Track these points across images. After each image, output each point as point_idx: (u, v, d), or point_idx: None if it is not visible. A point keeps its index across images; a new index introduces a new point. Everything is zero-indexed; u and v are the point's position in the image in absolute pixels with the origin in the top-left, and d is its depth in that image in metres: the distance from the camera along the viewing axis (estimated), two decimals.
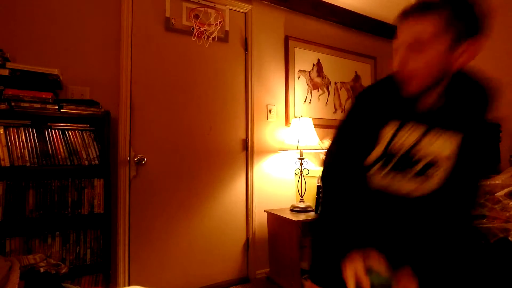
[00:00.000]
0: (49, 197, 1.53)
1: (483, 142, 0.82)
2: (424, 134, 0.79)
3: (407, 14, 0.78)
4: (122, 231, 1.90)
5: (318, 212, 1.09)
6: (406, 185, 0.83)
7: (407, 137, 0.80)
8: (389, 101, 0.83)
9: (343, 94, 2.94)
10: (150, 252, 2.00)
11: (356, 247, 0.75)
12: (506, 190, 1.41)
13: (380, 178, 0.85)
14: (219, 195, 2.25)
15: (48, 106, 1.53)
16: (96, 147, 1.64)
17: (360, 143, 0.84)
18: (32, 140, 1.51)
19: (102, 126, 1.67)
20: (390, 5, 2.83)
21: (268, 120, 2.48)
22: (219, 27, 2.25)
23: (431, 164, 0.80)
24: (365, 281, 0.70)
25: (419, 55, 0.73)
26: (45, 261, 1.41)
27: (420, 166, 0.81)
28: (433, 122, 0.79)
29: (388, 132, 0.82)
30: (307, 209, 2.25)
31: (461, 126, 0.79)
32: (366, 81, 3.12)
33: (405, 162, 0.81)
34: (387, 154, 0.82)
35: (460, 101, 0.80)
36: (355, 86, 3.03)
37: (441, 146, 0.79)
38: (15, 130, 1.49)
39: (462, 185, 0.80)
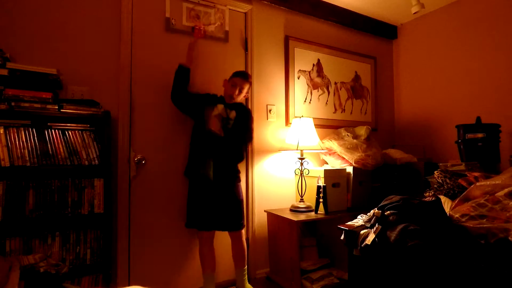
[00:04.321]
0: (49, 197, 1.53)
1: (244, 116, 2.04)
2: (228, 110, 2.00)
3: (242, 77, 2.01)
4: (122, 231, 1.90)
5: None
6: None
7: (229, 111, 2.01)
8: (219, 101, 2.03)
9: (343, 94, 2.94)
10: (150, 252, 2.00)
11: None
12: (506, 190, 1.41)
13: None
14: None
15: (48, 106, 1.53)
16: (96, 147, 1.64)
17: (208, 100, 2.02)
18: (32, 140, 1.51)
19: (102, 126, 1.67)
20: (390, 5, 2.84)
21: (268, 120, 2.48)
22: (219, 27, 2.25)
23: (230, 119, 1.99)
24: None
25: (241, 93, 2.03)
26: (45, 261, 1.41)
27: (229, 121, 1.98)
28: (231, 108, 2.02)
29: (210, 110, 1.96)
30: (307, 209, 2.25)
31: (236, 108, 2.03)
32: (366, 81, 3.12)
33: (225, 120, 1.97)
34: (224, 118, 1.98)
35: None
36: (355, 86, 3.03)
37: (233, 113, 2.01)
38: (15, 130, 1.49)
39: (239, 128, 1.99)
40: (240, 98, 2.04)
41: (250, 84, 2.05)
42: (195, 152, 1.96)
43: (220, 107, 1.98)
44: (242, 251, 2.02)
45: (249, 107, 2.40)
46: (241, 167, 2.34)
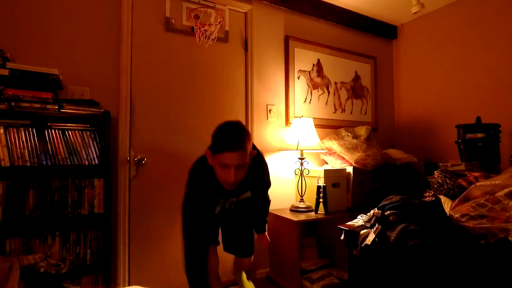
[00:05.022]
0: (49, 197, 1.53)
1: (260, 191, 1.65)
2: (237, 198, 1.57)
3: (233, 149, 1.23)
4: (122, 231, 1.90)
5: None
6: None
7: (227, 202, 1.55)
8: (218, 190, 1.42)
9: (343, 94, 2.94)
10: (150, 252, 2.00)
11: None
12: (506, 190, 1.41)
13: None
14: None
15: (48, 106, 1.53)
16: (96, 147, 1.64)
17: (208, 203, 1.47)
18: (32, 140, 1.51)
19: (102, 126, 1.67)
20: (390, 5, 2.83)
21: (268, 120, 2.48)
22: (219, 27, 2.25)
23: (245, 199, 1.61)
24: None
25: (240, 171, 1.29)
26: (45, 261, 1.41)
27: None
28: (237, 194, 1.54)
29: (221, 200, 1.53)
30: (307, 209, 2.25)
31: (250, 187, 1.57)
32: (366, 81, 3.12)
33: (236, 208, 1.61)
34: (226, 208, 1.57)
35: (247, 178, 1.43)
36: (355, 86, 3.03)
37: (247, 194, 1.58)
38: (15, 130, 1.49)
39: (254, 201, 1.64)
40: (244, 173, 1.33)
41: (249, 142, 1.30)
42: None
43: (227, 204, 1.56)
44: (246, 268, 1.83)
45: (249, 107, 2.39)
46: None
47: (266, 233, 1.77)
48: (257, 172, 1.52)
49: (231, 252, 1.74)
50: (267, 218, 1.78)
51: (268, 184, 1.66)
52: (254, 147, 1.46)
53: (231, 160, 1.22)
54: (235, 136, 1.24)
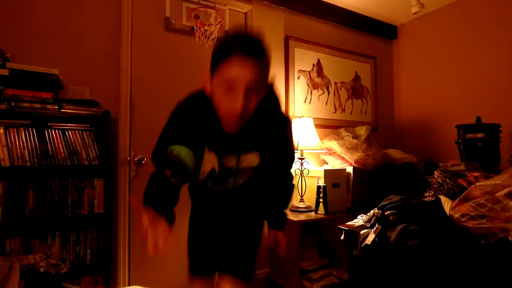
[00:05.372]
0: (49, 197, 1.53)
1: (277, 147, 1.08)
2: (238, 159, 1.02)
3: (245, 53, 0.79)
4: (122, 231, 1.90)
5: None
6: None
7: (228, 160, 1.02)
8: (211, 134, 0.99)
9: (343, 94, 2.94)
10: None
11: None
12: (506, 190, 1.41)
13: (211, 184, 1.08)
14: None
15: (48, 106, 1.53)
16: (96, 147, 1.64)
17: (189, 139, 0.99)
18: (32, 140, 1.51)
19: (102, 126, 1.67)
20: (390, 5, 2.83)
21: None
22: (219, 27, 2.25)
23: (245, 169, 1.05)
24: None
25: (252, 98, 0.83)
26: (45, 261, 1.41)
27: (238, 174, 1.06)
28: (240, 150, 1.00)
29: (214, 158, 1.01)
30: (307, 209, 2.25)
31: (257, 147, 1.02)
32: (366, 81, 3.12)
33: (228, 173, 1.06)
34: (215, 177, 1.05)
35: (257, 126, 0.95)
36: (355, 86, 3.03)
37: (252, 158, 1.02)
38: (15, 130, 1.49)
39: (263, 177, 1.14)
40: (255, 104, 0.86)
41: (267, 61, 0.91)
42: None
43: (220, 163, 1.02)
44: None
45: None
46: None
47: (283, 232, 1.16)
48: (272, 119, 1.00)
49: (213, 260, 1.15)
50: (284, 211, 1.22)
51: (291, 154, 1.19)
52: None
53: (240, 73, 0.79)
54: (248, 37, 0.84)
